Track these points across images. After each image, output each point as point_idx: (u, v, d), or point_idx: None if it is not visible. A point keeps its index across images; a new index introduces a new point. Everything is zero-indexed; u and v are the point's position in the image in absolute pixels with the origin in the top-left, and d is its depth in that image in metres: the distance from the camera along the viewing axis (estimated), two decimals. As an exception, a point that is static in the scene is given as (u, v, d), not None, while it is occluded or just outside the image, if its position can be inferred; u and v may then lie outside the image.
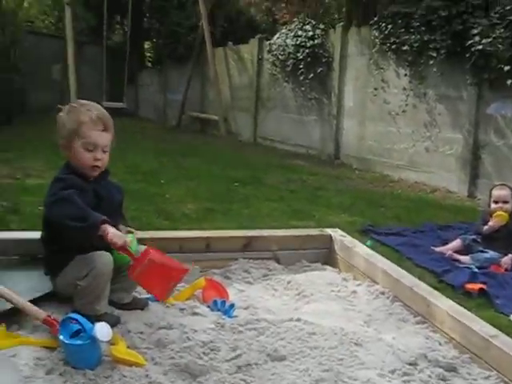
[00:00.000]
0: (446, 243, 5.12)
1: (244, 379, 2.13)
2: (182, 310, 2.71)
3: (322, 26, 10.97)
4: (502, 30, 7.02)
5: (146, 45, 21.57)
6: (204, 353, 2.29)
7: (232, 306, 2.79)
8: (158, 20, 18.52)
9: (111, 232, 2.38)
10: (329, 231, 3.67)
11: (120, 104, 15.50)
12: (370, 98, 9.77)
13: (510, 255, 4.70)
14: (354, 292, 3.08)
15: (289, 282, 3.20)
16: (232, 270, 3.29)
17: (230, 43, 14.39)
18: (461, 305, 3.66)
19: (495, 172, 7.68)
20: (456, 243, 4.93)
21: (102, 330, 2.15)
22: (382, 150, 9.56)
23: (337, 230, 3.74)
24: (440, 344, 2.56)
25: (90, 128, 2.56)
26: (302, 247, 3.54)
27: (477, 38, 7.31)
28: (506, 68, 7.08)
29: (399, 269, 3.16)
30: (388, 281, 3.05)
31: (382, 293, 3.02)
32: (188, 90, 15.60)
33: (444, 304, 2.71)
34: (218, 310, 2.74)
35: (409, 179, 8.86)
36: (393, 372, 2.28)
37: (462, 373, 2.35)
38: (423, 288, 2.88)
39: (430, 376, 2.27)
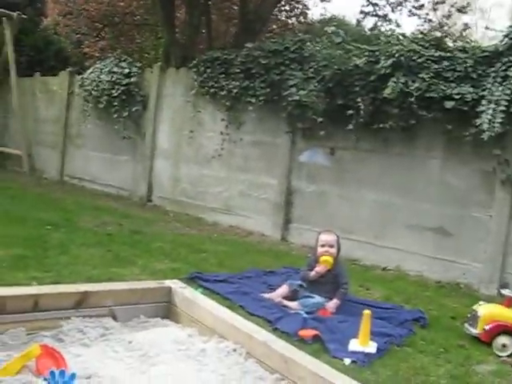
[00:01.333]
0: (273, 289, 5.15)
1: None
2: (12, 387, 2.29)
3: (138, 64, 10.78)
4: (317, 84, 7.38)
5: None
6: None
7: (73, 376, 2.42)
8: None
9: None
10: (168, 283, 3.42)
11: None
12: (185, 140, 9.73)
13: (334, 300, 4.85)
14: (203, 350, 2.86)
15: (130, 342, 2.89)
16: (65, 330, 2.90)
17: (38, 74, 13.60)
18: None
19: (305, 217, 7.98)
20: (283, 289, 4.97)
21: None
22: (197, 193, 9.52)
23: (176, 281, 3.51)
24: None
25: None
26: (139, 301, 3.25)
27: (293, 89, 7.62)
28: (320, 119, 7.44)
29: (249, 323, 3.01)
30: (239, 336, 2.88)
31: (234, 349, 2.84)
32: (-14, 121, 14.43)
33: (302, 359, 2.61)
34: (57, 383, 2.36)
35: (224, 223, 8.89)
36: None
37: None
38: (279, 343, 2.75)
39: None
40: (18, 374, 2.39)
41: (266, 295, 4.91)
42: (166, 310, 3.34)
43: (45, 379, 2.38)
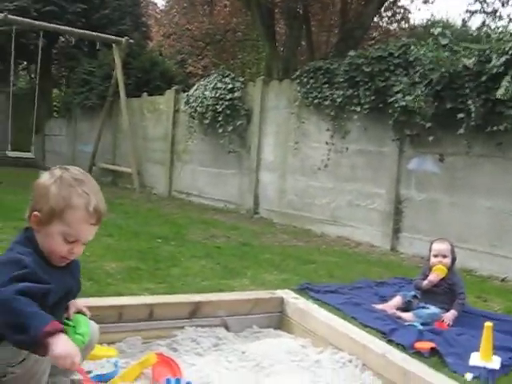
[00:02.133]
0: (385, 300, 4.99)
1: None
2: (130, 392, 2.33)
3: (241, 79, 10.92)
4: (424, 88, 7.15)
5: (54, 93, 20.96)
6: None
7: (188, 384, 2.44)
8: (68, 67, 18.04)
9: (58, 350, 1.80)
10: (280, 293, 3.39)
11: (27, 154, 14.79)
12: (290, 152, 9.72)
13: (451, 311, 4.62)
14: (318, 361, 2.80)
15: (243, 352, 2.88)
16: (179, 340, 2.94)
17: (145, 94, 14.13)
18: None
19: (416, 226, 7.72)
20: (397, 300, 4.79)
21: None
22: (303, 205, 9.46)
23: (287, 291, 3.47)
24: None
25: (81, 219, 2.09)
26: (251, 312, 3.24)
27: (399, 95, 7.42)
28: (428, 125, 7.20)
29: (365, 333, 2.91)
30: (355, 347, 2.78)
31: (349, 361, 2.76)
32: (99, 141, 15.11)
33: (423, 372, 2.48)
34: (173, 391, 2.38)
35: (332, 234, 8.77)
36: None
37: None
38: (397, 354, 2.63)
39: None
40: (135, 381, 2.43)
41: (379, 306, 4.75)
42: (279, 320, 3.31)
43: (161, 387, 2.41)
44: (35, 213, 2.06)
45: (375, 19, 14.11)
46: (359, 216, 8.49)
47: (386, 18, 14.93)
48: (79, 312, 2.24)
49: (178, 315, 3.01)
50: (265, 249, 7.07)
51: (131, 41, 14.04)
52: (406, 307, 4.74)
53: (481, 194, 7.05)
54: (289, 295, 3.37)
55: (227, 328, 3.14)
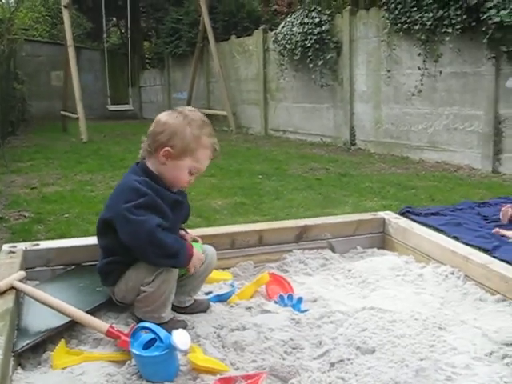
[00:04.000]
0: (487, 219, 5.03)
1: (341, 377, 1.96)
2: (248, 308, 2.56)
3: (328, 12, 10.80)
4: (519, 1, 6.86)
5: (145, 45, 21.44)
6: (287, 352, 2.14)
7: (300, 299, 2.65)
8: (156, 18, 18.36)
9: (196, 259, 2.34)
10: (381, 214, 3.53)
11: (127, 106, 15.43)
12: (383, 81, 9.62)
13: None
14: (421, 275, 2.93)
15: (349, 270, 3.05)
16: (288, 262, 3.15)
17: (233, 36, 14.26)
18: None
19: (518, 146, 7.54)
20: (506, 211, 4.76)
21: (180, 338, 1.97)
22: (400, 133, 9.41)
23: (388, 212, 3.60)
24: (528, 322, 2.41)
25: (207, 156, 2.38)
26: (355, 233, 3.40)
27: (492, 11, 7.15)
28: (525, 39, 6.94)
29: (466, 246, 3.02)
30: (456, 260, 2.90)
31: (452, 273, 2.87)
32: (193, 88, 15.46)
33: (525, 279, 2.57)
34: (286, 305, 2.60)
35: (430, 160, 8.71)
36: (489, 355, 2.14)
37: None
38: (498, 264, 2.73)
39: (531, 355, 2.12)
40: (251, 298, 2.68)
41: (495, 230, 4.70)
42: (381, 240, 3.45)
43: (275, 302, 2.64)
44: (167, 148, 2.31)
45: None
46: (457, 140, 8.37)
47: None
48: (194, 240, 2.53)
49: (285, 239, 3.22)
50: (364, 178, 7.17)
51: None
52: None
53: None
54: (390, 216, 3.49)
55: (333, 249, 3.33)
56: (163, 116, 2.40)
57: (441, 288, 2.81)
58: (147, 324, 2.08)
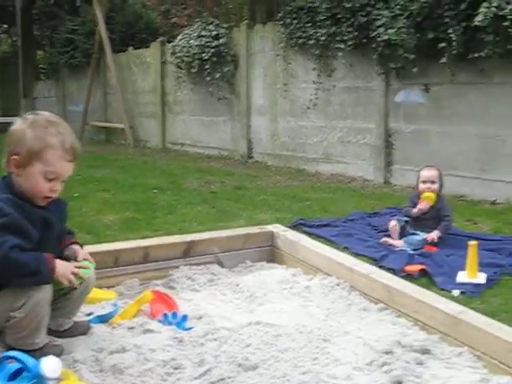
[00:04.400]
0: (377, 229, 5.17)
1: (221, 395, 1.94)
2: (130, 328, 2.47)
3: (225, 25, 10.86)
4: (405, 21, 7.14)
5: (39, 55, 20.73)
6: (167, 373, 2.08)
7: (185, 317, 2.59)
8: (50, 27, 17.78)
9: (60, 271, 2.18)
10: (270, 227, 3.53)
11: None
12: (279, 94, 9.76)
13: (435, 231, 4.77)
14: (308, 287, 2.95)
15: (237, 285, 3.03)
16: (175, 278, 3.09)
17: (131, 48, 14.04)
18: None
19: (407, 157, 7.82)
20: (394, 224, 4.90)
21: (49, 366, 1.85)
22: (296, 145, 9.56)
23: (277, 225, 3.61)
24: (408, 328, 2.47)
25: (59, 157, 2.21)
26: (244, 247, 3.38)
27: (381, 29, 7.41)
28: (411, 56, 7.22)
29: (351, 257, 3.07)
30: (342, 271, 2.94)
31: (337, 284, 2.91)
32: (89, 100, 15.09)
33: (405, 287, 2.64)
34: (170, 324, 2.53)
35: (325, 172, 8.89)
36: (370, 364, 2.17)
37: (436, 353, 2.28)
38: (381, 274, 2.79)
39: (407, 362, 2.16)
40: (134, 318, 2.59)
41: (383, 239, 4.83)
42: (270, 253, 3.46)
43: (159, 321, 2.56)
44: (14, 157, 2.19)
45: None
46: (351, 152, 8.61)
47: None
48: (85, 260, 2.40)
49: (172, 255, 3.16)
50: (259, 191, 7.21)
51: (112, -5, 13.87)
52: (401, 233, 4.89)
53: (468, 122, 7.14)
54: (279, 229, 3.51)
55: (221, 264, 3.29)
56: (12, 126, 2.28)
57: (327, 299, 2.84)
58: (12, 353, 1.94)
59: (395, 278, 2.77)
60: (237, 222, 5.33)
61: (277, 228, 3.52)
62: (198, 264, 3.21)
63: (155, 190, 7.13)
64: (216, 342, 2.32)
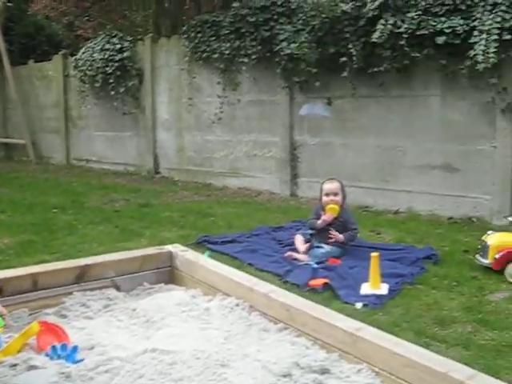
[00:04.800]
0: (282, 243, 5.17)
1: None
2: (13, 366, 2.25)
3: (129, 38, 10.67)
4: (307, 35, 7.24)
5: None
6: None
7: (75, 348, 2.43)
8: None
9: None
10: (168, 247, 3.42)
11: None
12: (185, 108, 9.67)
13: (339, 235, 4.84)
14: (207, 309, 2.86)
15: (134, 310, 2.90)
16: (67, 306, 2.91)
17: (31, 61, 13.53)
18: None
19: (312, 170, 7.92)
20: (300, 240, 4.90)
21: None
22: (203, 160, 9.49)
23: (177, 245, 3.50)
24: (307, 348, 2.43)
25: None
26: (141, 269, 3.26)
27: (284, 44, 7.48)
28: (314, 70, 7.33)
29: (251, 276, 3.01)
30: (241, 291, 2.87)
31: (237, 304, 2.84)
32: (-13, 115, 14.44)
33: (303, 306, 2.60)
34: (59, 357, 2.36)
35: (232, 186, 8.87)
36: (268, 388, 2.11)
37: (335, 372, 2.24)
38: (280, 293, 2.74)
39: None
40: (19, 353, 2.39)
41: (288, 254, 4.83)
42: (169, 274, 3.35)
43: (47, 355, 2.39)
44: None
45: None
46: (257, 165, 8.63)
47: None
48: None
49: (64, 281, 2.99)
50: (165, 207, 7.09)
51: (9, 4, 13.31)
52: (306, 245, 4.91)
53: (370, 134, 7.32)
54: (177, 249, 3.40)
55: (118, 288, 3.15)
56: None
57: (226, 321, 2.76)
58: None
59: (294, 296, 2.73)
60: (139, 241, 5.20)
61: (176, 248, 3.41)
62: (92, 289, 3.05)
63: (55, 210, 6.86)
64: (107, 374, 2.19)
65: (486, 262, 4.50)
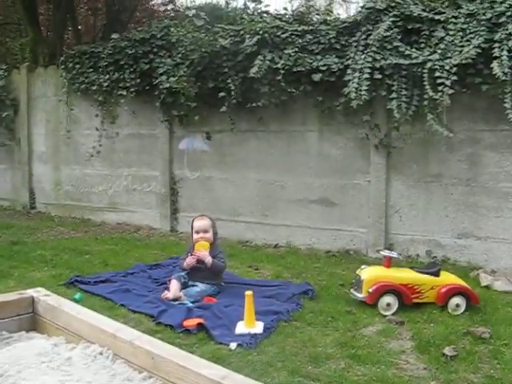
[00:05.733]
0: (158, 282, 5.06)
1: None
2: None
3: (4, 67, 10.22)
4: (186, 69, 7.24)
5: None
6: None
7: None
8: None
9: None
10: (30, 292, 3.21)
11: None
12: (62, 141, 9.37)
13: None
14: (69, 358, 2.69)
15: (-13, 363, 2.68)
16: None
17: None
18: (182, 344, 3.61)
19: (192, 204, 7.88)
20: (175, 284, 4.77)
21: None
22: (81, 194, 9.20)
23: (39, 289, 3.30)
24: (171, 399, 2.33)
25: None
26: (0, 316, 3.03)
27: (163, 77, 7.44)
28: (193, 104, 7.33)
29: (115, 322, 2.87)
30: (104, 338, 2.73)
31: (100, 353, 2.68)
32: None
33: (168, 353, 2.50)
34: None
35: (111, 221, 8.64)
36: None
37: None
38: (144, 339, 2.63)
39: None
40: None
41: (164, 295, 4.69)
42: (31, 321, 3.13)
43: None
44: None
45: (144, 2, 14.02)
46: (137, 200, 8.47)
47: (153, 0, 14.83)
48: None
49: None
50: (38, 245, 6.76)
51: None
52: (184, 287, 4.80)
53: (250, 168, 7.38)
54: (40, 293, 3.20)
55: (-28, 339, 2.92)
56: None
57: (89, 371, 2.60)
58: None
59: (160, 342, 2.62)
60: (6, 282, 4.90)
61: (38, 292, 3.20)
62: None
63: None
64: None
65: (360, 296, 4.61)
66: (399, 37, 6.01)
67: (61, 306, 3.03)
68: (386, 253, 4.80)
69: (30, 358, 2.73)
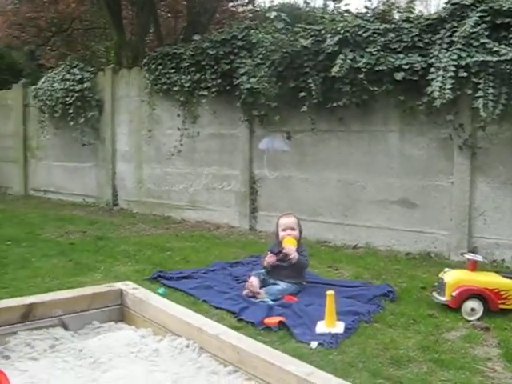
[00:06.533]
0: (238, 280, 5.10)
1: None
2: None
3: (90, 69, 10.60)
4: (267, 70, 7.29)
5: None
6: None
7: (14, 394, 2.32)
8: None
9: None
10: (119, 285, 3.33)
11: None
12: (144, 140, 9.61)
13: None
14: (156, 350, 2.77)
15: (81, 350, 2.79)
16: (11, 347, 2.79)
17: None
18: (263, 341, 3.63)
19: (272, 204, 7.91)
20: (255, 281, 4.81)
21: None
22: (162, 192, 9.41)
23: (127, 282, 3.41)
24: (258, 393, 2.36)
25: None
26: (90, 307, 3.15)
27: (244, 78, 7.53)
28: (274, 104, 7.37)
29: (201, 317, 2.93)
30: (191, 331, 2.79)
31: (187, 346, 2.75)
32: None
33: (254, 348, 2.53)
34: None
35: (191, 219, 8.79)
36: None
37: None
38: (230, 334, 2.67)
39: None
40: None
41: (245, 292, 4.75)
42: (119, 313, 3.24)
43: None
44: None
45: (223, 3, 14.18)
46: (216, 199, 8.58)
47: (232, 2, 14.98)
48: None
49: (9, 320, 2.87)
50: (121, 240, 6.97)
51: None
52: (263, 285, 4.83)
53: (330, 168, 7.35)
54: (128, 286, 3.31)
55: (66, 327, 3.04)
56: None
57: (176, 363, 2.67)
58: None
59: (245, 338, 2.66)
60: (93, 276, 5.08)
61: (126, 285, 3.31)
62: (38, 328, 2.94)
63: (9, 242, 6.69)
64: (46, 421, 2.09)
65: (443, 299, 4.51)
66: (487, 33, 5.83)
67: (148, 299, 3.12)
68: (471, 256, 4.67)
69: (120, 347, 2.83)
